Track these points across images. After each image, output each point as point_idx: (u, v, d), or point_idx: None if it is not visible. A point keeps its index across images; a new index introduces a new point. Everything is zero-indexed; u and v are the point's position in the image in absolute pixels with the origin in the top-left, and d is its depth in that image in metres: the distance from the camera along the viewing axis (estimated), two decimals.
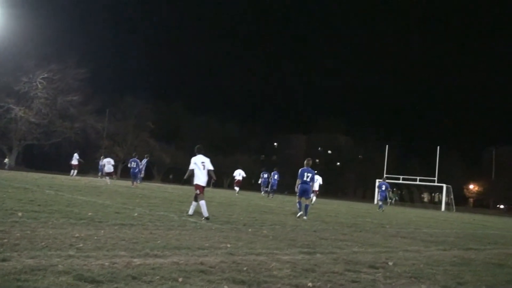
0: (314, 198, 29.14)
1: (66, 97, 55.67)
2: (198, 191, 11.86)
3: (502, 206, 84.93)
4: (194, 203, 12.08)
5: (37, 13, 67.15)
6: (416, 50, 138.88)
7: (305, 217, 14.77)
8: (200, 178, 11.96)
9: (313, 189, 28.74)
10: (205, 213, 11.49)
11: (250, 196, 32.04)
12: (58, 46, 57.49)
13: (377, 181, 32.43)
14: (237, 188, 32.51)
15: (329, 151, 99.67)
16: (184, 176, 12.22)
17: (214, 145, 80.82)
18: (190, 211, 12.07)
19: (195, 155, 12.28)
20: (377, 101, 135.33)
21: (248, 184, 71.70)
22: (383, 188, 27.81)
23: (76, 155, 33.99)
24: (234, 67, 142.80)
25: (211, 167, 12.17)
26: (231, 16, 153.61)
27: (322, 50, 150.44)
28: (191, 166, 12.03)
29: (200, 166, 12.00)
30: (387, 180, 31.85)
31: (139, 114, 69.84)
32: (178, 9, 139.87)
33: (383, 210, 27.24)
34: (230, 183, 33.14)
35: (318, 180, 29.71)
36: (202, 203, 11.61)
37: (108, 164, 28.93)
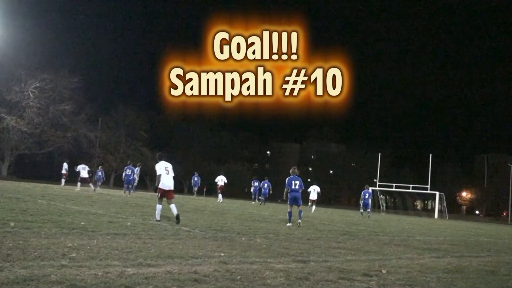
0: (313, 207, 29.45)
1: (58, 106, 55.53)
2: (159, 195, 12.34)
3: (477, 212, 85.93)
4: (173, 207, 12.30)
5: (29, 23, 67.05)
6: (409, 59, 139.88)
7: (299, 221, 14.85)
8: (164, 183, 12.40)
9: (312, 198, 29.28)
10: (157, 216, 12.20)
11: (243, 204, 31.98)
12: (50, 55, 57.56)
13: (370, 189, 32.50)
14: (220, 196, 32.64)
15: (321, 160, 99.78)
16: (155, 184, 12.64)
17: (207, 153, 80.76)
18: (174, 212, 12.23)
19: (157, 162, 12.79)
20: (369, 109, 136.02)
21: (241, 193, 71.73)
22: (366, 196, 27.92)
23: (65, 165, 33.92)
24: None
25: (173, 174, 12.73)
26: None
27: None
28: (159, 172, 12.48)
29: (165, 171, 12.45)
30: (378, 188, 31.94)
31: (132, 123, 69.69)
32: (169, 16, 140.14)
33: (368, 216, 27.30)
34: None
35: (316, 189, 29.95)
36: (159, 207, 12.25)
37: (83, 170, 28.72)
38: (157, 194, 12.50)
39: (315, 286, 5.75)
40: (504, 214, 79.80)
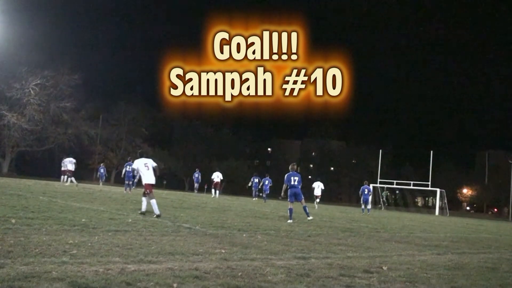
0: (317, 201, 29.74)
1: (59, 103, 55.46)
2: (147, 190, 12.75)
3: (468, 208, 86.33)
4: (144, 200, 12.93)
5: (30, 20, 67.02)
6: (409, 58, 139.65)
7: (310, 218, 14.89)
8: (148, 178, 12.90)
9: (316, 194, 29.61)
10: (156, 211, 12.39)
11: (244, 201, 32.00)
12: (50, 52, 57.63)
13: (371, 186, 32.62)
14: (216, 191, 32.80)
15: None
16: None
17: (207, 150, 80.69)
18: (143, 208, 12.87)
19: (137, 159, 13.40)
20: (370, 106, 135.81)
21: (242, 190, 71.70)
22: (366, 192, 28.02)
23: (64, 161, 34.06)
24: None
25: (155, 164, 13.27)
26: None
27: None
28: (136, 168, 13.25)
29: (144, 168, 12.96)
30: (379, 185, 31.97)
31: (133, 120, 69.67)
32: (169, 16, 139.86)
33: (368, 213, 27.35)
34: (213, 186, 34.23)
35: (320, 185, 30.14)
36: (153, 202, 12.54)
37: (70, 163, 28.69)
38: (145, 191, 12.84)
39: (316, 283, 5.75)
40: (495, 210, 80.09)
